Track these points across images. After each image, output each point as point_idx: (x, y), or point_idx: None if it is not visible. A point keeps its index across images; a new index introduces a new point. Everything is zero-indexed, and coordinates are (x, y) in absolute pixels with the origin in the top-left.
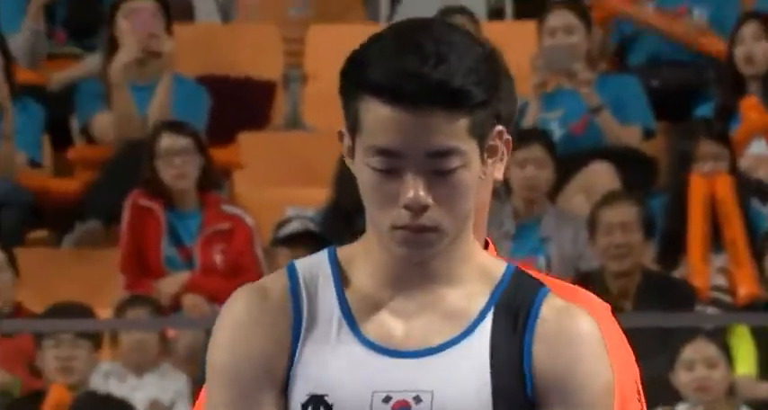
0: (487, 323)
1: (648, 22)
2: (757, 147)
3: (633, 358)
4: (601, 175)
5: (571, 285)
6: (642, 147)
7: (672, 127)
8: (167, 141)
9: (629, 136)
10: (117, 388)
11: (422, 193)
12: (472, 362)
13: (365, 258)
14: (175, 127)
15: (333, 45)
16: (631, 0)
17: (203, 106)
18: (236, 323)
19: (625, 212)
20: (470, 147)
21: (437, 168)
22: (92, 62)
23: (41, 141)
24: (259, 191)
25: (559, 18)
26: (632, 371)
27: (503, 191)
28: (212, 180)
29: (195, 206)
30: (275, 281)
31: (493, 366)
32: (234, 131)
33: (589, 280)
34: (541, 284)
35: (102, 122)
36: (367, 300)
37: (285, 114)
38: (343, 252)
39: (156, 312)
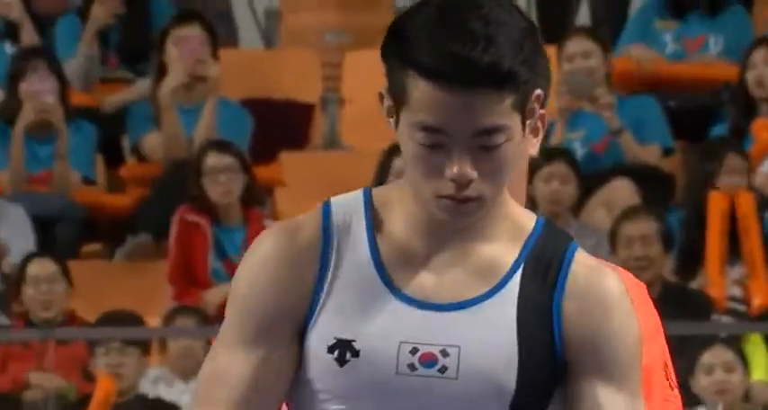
0: (516, 279)
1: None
2: None
3: (663, 337)
4: (621, 191)
5: (608, 263)
6: (661, 164)
7: (689, 146)
8: (213, 160)
9: (649, 155)
10: (165, 393)
11: (468, 170)
12: (501, 318)
13: (400, 206)
14: (221, 146)
15: (368, 70)
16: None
17: (247, 127)
18: (262, 259)
19: (644, 226)
20: (514, 122)
21: (483, 144)
22: (142, 86)
23: (95, 160)
24: (299, 207)
25: (577, 44)
26: (663, 349)
27: (529, 205)
28: (255, 196)
29: (239, 221)
30: (308, 222)
31: (519, 324)
32: (276, 151)
33: None
34: (570, 238)
35: (152, 142)
36: (399, 249)
37: (324, 135)
38: (379, 195)
39: (203, 321)
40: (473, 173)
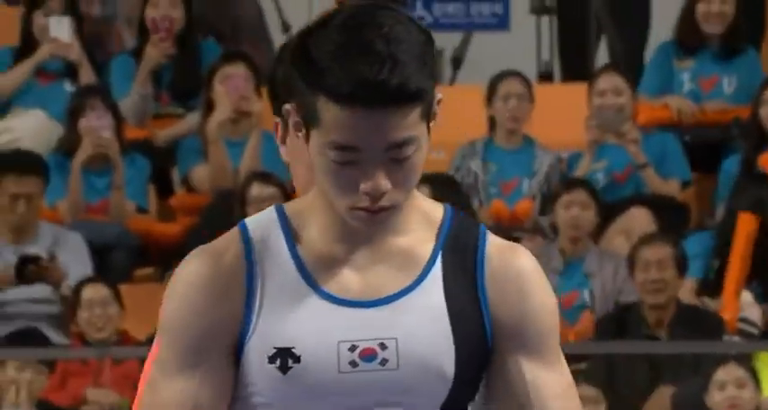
0: (438, 268)
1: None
2: None
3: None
4: (639, 219)
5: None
6: (676, 194)
7: (703, 177)
8: (257, 190)
9: (669, 188)
10: None
11: (382, 182)
12: (430, 306)
13: (314, 214)
14: (264, 177)
15: None
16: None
17: None
18: (187, 285)
19: (660, 252)
20: (421, 131)
21: (395, 157)
22: (191, 120)
23: (147, 190)
24: None
25: (608, 80)
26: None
27: (551, 231)
28: None
29: None
30: (227, 243)
31: (450, 310)
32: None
33: (629, 311)
34: (478, 223)
35: (200, 174)
36: (320, 255)
37: None
38: (291, 208)
39: None
40: (387, 186)
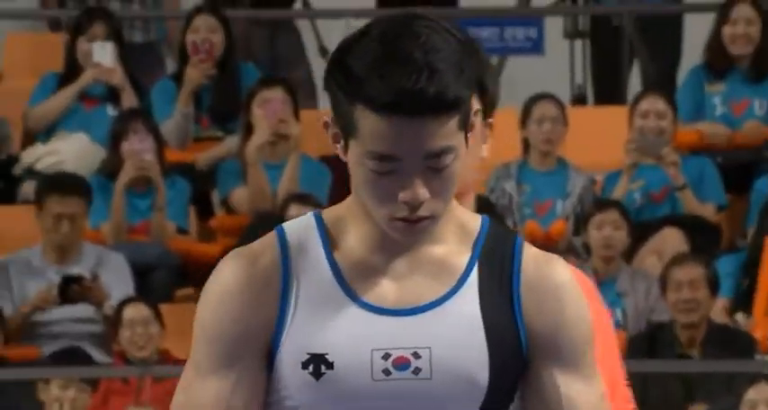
0: (474, 278)
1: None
2: None
3: (611, 333)
4: (671, 239)
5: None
6: (709, 216)
7: (734, 198)
8: (294, 211)
9: (706, 211)
10: None
11: (420, 191)
12: (464, 316)
13: (352, 222)
14: (302, 199)
15: None
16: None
17: (325, 181)
18: (223, 288)
19: (693, 272)
20: (459, 141)
21: (433, 166)
22: (231, 143)
23: (188, 212)
24: None
25: (651, 103)
26: (615, 342)
27: (584, 251)
28: None
29: None
30: (264, 246)
31: (485, 320)
32: None
33: (661, 330)
34: (514, 232)
35: (240, 196)
36: (357, 263)
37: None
38: (329, 215)
39: None
40: (425, 195)
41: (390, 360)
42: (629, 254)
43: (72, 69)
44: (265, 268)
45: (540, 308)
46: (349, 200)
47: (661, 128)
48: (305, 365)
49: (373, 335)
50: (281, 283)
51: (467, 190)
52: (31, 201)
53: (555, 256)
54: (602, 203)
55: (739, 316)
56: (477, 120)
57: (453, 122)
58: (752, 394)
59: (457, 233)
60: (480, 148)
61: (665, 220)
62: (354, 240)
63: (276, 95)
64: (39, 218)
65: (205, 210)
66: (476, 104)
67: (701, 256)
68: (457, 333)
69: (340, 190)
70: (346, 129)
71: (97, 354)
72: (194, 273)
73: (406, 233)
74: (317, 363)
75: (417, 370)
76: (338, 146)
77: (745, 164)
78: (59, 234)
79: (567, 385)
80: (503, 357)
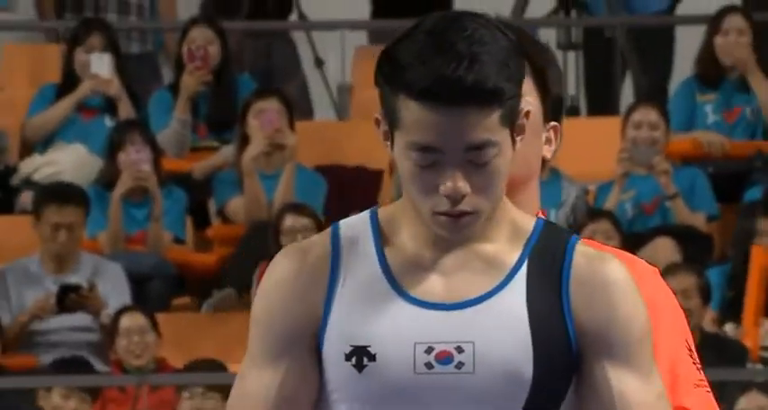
0: (522, 274)
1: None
2: None
3: (684, 319)
4: (664, 249)
5: (621, 250)
6: (701, 226)
7: (726, 208)
8: (290, 221)
9: (697, 220)
10: None
11: (460, 184)
12: (510, 313)
13: (405, 220)
14: (297, 209)
15: None
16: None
17: (321, 191)
18: (275, 280)
19: (685, 281)
20: (503, 137)
21: (474, 160)
22: (227, 153)
23: (185, 221)
24: None
25: (644, 114)
26: (682, 331)
27: None
28: None
29: None
30: (318, 241)
31: (531, 315)
32: (348, 213)
33: None
34: (570, 232)
35: (236, 205)
36: (407, 258)
37: (392, 199)
38: (384, 213)
39: None
40: (466, 188)
41: (433, 353)
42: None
43: (70, 80)
44: (315, 261)
45: (590, 304)
46: (403, 198)
47: (654, 138)
48: (348, 357)
49: (417, 329)
50: (329, 276)
51: (529, 177)
52: (28, 211)
53: (609, 255)
54: (595, 213)
55: (728, 327)
56: (526, 122)
57: (495, 116)
58: (743, 402)
59: (509, 232)
60: (541, 145)
61: (658, 230)
62: (406, 237)
63: (271, 106)
64: (36, 228)
65: (202, 220)
66: (527, 105)
67: (694, 266)
68: (501, 328)
69: (335, 199)
70: (391, 122)
71: (96, 363)
72: (191, 283)
73: (450, 228)
74: (360, 355)
75: (460, 365)
76: (387, 143)
77: (736, 174)
78: (57, 243)
79: (620, 380)
80: (549, 353)
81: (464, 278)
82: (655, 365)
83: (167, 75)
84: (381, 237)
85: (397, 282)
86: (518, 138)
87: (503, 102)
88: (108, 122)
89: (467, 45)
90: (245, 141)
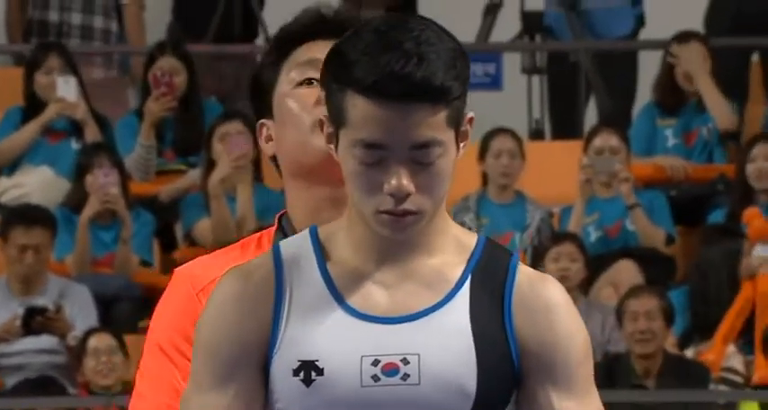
0: (466, 289)
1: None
2: (762, 251)
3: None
4: (626, 272)
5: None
6: (662, 248)
7: (688, 231)
8: None
9: (657, 235)
10: None
11: (405, 182)
12: (455, 325)
13: (347, 233)
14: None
15: None
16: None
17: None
18: (220, 302)
19: (648, 303)
20: (448, 137)
21: (419, 159)
22: (194, 176)
23: (152, 244)
24: None
25: (605, 139)
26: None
27: None
28: None
29: None
30: (260, 262)
31: (474, 330)
32: None
33: (617, 361)
34: (511, 252)
35: (203, 228)
36: (350, 273)
37: None
38: (324, 230)
39: None
40: (410, 187)
41: (380, 366)
42: (586, 286)
43: (32, 102)
44: (259, 282)
45: (533, 326)
46: (344, 215)
47: (613, 147)
48: (296, 372)
49: (363, 342)
50: (274, 296)
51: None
52: None
53: (550, 276)
54: (559, 236)
55: (690, 351)
56: (469, 129)
57: (442, 115)
58: None
59: (452, 246)
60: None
61: (620, 253)
62: (348, 251)
63: (236, 129)
64: (3, 250)
65: (169, 243)
66: (471, 114)
67: (657, 288)
68: (446, 340)
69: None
70: (337, 120)
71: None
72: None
73: (393, 227)
74: (308, 370)
75: (406, 376)
76: (331, 146)
77: (699, 197)
78: (24, 265)
79: (561, 403)
80: (492, 367)
81: (407, 291)
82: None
83: (132, 98)
84: (323, 253)
85: (342, 296)
86: (461, 145)
87: (449, 101)
88: (74, 145)
89: (414, 44)
90: (210, 165)
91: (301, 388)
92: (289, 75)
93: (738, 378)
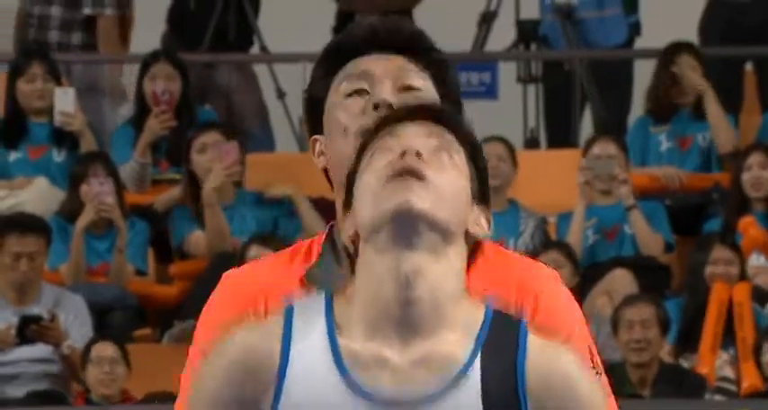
0: (477, 366)
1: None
2: (756, 260)
3: (585, 325)
4: (621, 281)
5: (525, 257)
6: (658, 256)
7: (683, 240)
8: (255, 252)
9: (655, 241)
10: None
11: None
12: (466, 407)
13: (360, 311)
14: (263, 240)
15: None
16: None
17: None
18: (224, 357)
19: (644, 312)
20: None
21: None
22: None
23: (147, 254)
24: None
25: (603, 147)
26: (584, 338)
27: None
28: None
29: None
30: (270, 325)
31: (486, 406)
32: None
33: (612, 370)
34: (519, 319)
35: (196, 239)
36: (359, 350)
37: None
38: (341, 298)
39: None
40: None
41: None
42: (580, 295)
43: (14, 110)
44: (267, 346)
45: (550, 396)
46: (355, 283)
47: (610, 154)
48: None
49: None
50: (279, 362)
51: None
52: None
53: (559, 344)
54: (547, 243)
55: (685, 358)
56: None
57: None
58: None
59: (462, 322)
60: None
61: (615, 261)
62: (359, 327)
63: (213, 139)
64: None
65: (163, 252)
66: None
67: (652, 296)
68: None
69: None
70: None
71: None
72: (152, 314)
73: (395, 175)
74: None
75: None
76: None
77: (694, 206)
78: (18, 272)
79: None
80: None
81: (416, 373)
82: None
83: (109, 107)
84: (336, 327)
85: (349, 374)
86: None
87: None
88: (56, 157)
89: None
90: (192, 177)
91: None
92: (339, 88)
93: (734, 388)
